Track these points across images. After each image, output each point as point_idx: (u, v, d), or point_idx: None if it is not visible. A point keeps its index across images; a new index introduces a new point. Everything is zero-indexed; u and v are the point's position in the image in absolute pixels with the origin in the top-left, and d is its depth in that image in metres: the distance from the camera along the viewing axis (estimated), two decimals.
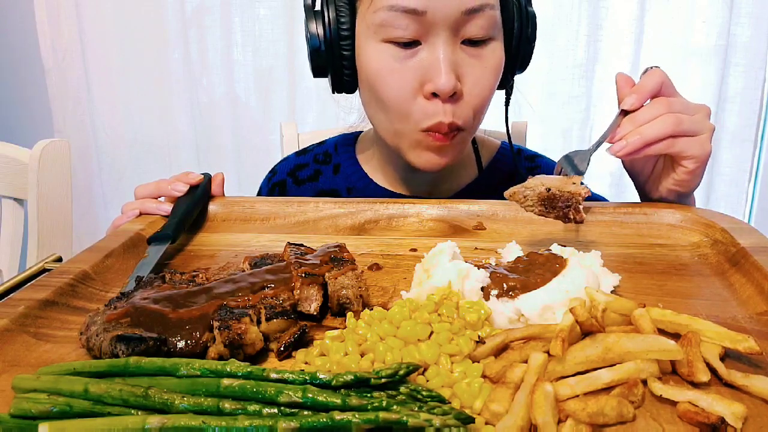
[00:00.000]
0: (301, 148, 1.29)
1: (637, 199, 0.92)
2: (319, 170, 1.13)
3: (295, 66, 2.15)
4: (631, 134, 0.77)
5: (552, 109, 2.07)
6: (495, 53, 0.85)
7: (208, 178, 0.93)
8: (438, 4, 0.78)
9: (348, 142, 1.14)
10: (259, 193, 1.19)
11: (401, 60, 0.82)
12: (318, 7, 0.87)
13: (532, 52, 0.91)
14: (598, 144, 0.82)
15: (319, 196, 1.09)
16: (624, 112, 0.80)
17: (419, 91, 0.83)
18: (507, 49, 0.88)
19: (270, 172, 1.19)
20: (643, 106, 0.80)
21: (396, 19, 0.80)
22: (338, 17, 0.85)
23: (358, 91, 0.93)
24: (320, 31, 0.86)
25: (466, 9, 0.79)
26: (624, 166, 0.90)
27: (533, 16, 0.89)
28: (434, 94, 0.82)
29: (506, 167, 1.09)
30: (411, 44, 0.82)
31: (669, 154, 0.80)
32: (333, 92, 0.94)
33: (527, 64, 0.92)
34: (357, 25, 0.85)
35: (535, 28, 0.89)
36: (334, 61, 0.87)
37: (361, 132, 1.16)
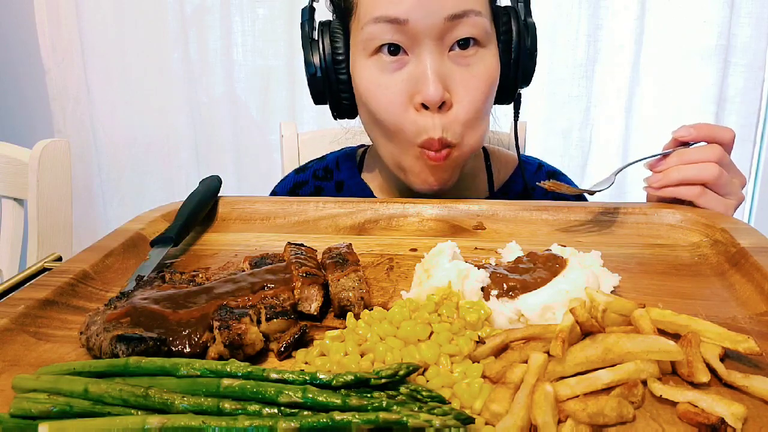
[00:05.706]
0: (299, 148, 1.28)
1: (637, 199, 0.92)
2: (320, 187, 1.11)
3: (295, 66, 2.15)
4: (674, 170, 0.80)
5: (552, 109, 2.07)
6: (485, 61, 0.83)
7: (217, 180, 0.93)
8: (419, 12, 0.77)
9: (350, 158, 1.12)
10: None
11: (390, 73, 0.82)
12: (316, 36, 0.88)
13: (534, 65, 0.88)
14: (631, 164, 0.87)
15: None
16: (673, 149, 0.83)
17: (410, 104, 0.82)
18: (506, 61, 0.86)
19: (271, 193, 1.17)
20: (689, 145, 0.82)
21: (381, 31, 0.80)
22: (333, 41, 0.86)
23: (359, 116, 0.93)
24: (316, 57, 0.87)
25: (448, 15, 0.78)
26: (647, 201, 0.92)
27: (533, 27, 0.87)
28: (424, 106, 0.81)
29: (521, 187, 1.05)
30: (398, 56, 0.81)
31: (694, 203, 0.81)
32: (335, 119, 0.93)
33: (530, 78, 0.90)
34: (351, 48, 0.86)
35: (536, 40, 0.87)
36: (331, 86, 0.88)
37: (361, 146, 1.15)
